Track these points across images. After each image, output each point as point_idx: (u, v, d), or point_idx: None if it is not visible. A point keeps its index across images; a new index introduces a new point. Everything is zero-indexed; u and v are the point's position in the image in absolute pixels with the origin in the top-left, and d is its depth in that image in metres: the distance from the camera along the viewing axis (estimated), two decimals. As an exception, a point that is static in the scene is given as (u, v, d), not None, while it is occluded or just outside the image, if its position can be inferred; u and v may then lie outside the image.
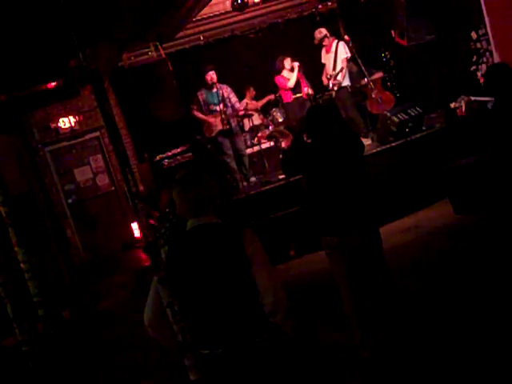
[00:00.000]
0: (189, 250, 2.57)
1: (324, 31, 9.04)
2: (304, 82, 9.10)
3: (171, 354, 2.40)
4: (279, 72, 9.09)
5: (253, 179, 8.65)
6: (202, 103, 8.50)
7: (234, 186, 8.43)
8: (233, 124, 8.57)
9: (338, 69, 8.82)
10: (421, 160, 7.69)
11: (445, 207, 7.02)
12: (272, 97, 9.92)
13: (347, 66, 8.97)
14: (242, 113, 8.85)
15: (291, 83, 8.98)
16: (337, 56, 8.83)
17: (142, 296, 2.65)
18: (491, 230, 5.40)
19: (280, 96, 9.58)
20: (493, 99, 4.04)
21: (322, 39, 9.01)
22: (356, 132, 4.71)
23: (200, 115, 8.55)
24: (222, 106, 8.33)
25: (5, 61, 7.16)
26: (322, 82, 9.21)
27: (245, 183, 8.53)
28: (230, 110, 8.46)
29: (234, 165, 8.55)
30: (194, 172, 2.69)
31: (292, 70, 8.99)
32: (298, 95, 9.04)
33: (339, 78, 8.80)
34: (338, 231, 3.97)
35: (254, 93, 10.22)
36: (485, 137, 4.07)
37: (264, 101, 10.13)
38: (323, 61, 9.17)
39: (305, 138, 4.33)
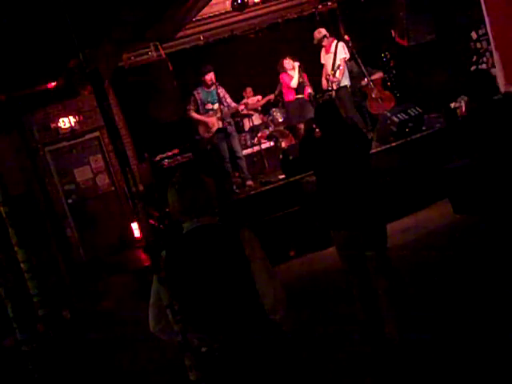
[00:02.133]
0: (187, 252, 2.55)
1: (323, 31, 9.05)
2: (307, 83, 9.12)
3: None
4: (285, 71, 9.10)
5: (249, 182, 8.60)
6: (198, 102, 8.44)
7: (232, 188, 8.41)
8: (229, 126, 8.54)
9: (335, 67, 8.80)
10: (421, 160, 7.69)
11: (445, 207, 7.02)
12: (272, 97, 9.92)
13: (347, 66, 8.98)
14: (242, 107, 8.83)
15: (294, 83, 8.99)
16: (336, 56, 8.83)
17: (142, 296, 2.65)
18: (491, 230, 5.40)
19: (281, 93, 9.58)
20: None
21: (321, 39, 9.02)
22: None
23: (197, 116, 8.46)
24: (218, 104, 8.34)
25: (5, 61, 7.17)
26: (321, 82, 9.22)
27: (237, 189, 8.47)
28: (226, 110, 8.45)
29: (229, 167, 8.51)
30: (190, 173, 2.66)
31: (294, 69, 9.02)
32: (300, 96, 9.05)
33: (337, 75, 8.79)
34: (346, 225, 4.08)
35: (252, 94, 10.22)
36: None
37: (263, 101, 10.13)
38: (322, 61, 9.18)
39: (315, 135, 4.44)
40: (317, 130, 4.43)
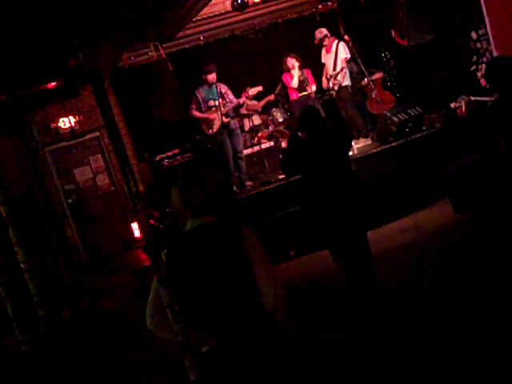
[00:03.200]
0: (189, 251, 2.55)
1: (324, 31, 9.06)
2: (312, 80, 9.11)
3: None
4: (288, 70, 9.10)
5: (249, 183, 8.60)
6: (200, 101, 8.49)
7: (232, 188, 8.40)
8: (232, 120, 8.56)
9: (338, 69, 8.83)
10: (421, 160, 7.69)
11: (445, 207, 7.02)
12: (272, 97, 9.90)
13: (347, 66, 8.98)
14: (243, 100, 8.82)
15: (294, 82, 8.98)
16: (337, 56, 8.85)
17: (142, 296, 2.65)
18: (491, 230, 5.41)
19: (281, 93, 9.58)
20: (494, 98, 4.00)
21: (322, 39, 9.03)
22: (349, 129, 5.09)
23: (199, 114, 8.52)
24: (220, 100, 8.35)
25: (5, 61, 7.17)
26: (321, 82, 9.23)
27: (237, 189, 8.45)
28: (229, 105, 8.47)
29: (231, 166, 8.52)
30: (192, 171, 2.66)
31: (295, 68, 9.01)
32: (304, 93, 9.04)
33: (339, 78, 8.81)
34: (330, 217, 4.41)
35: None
36: (489, 133, 4.07)
37: (264, 101, 10.11)
38: (323, 61, 9.19)
39: (299, 135, 4.64)
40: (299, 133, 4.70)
